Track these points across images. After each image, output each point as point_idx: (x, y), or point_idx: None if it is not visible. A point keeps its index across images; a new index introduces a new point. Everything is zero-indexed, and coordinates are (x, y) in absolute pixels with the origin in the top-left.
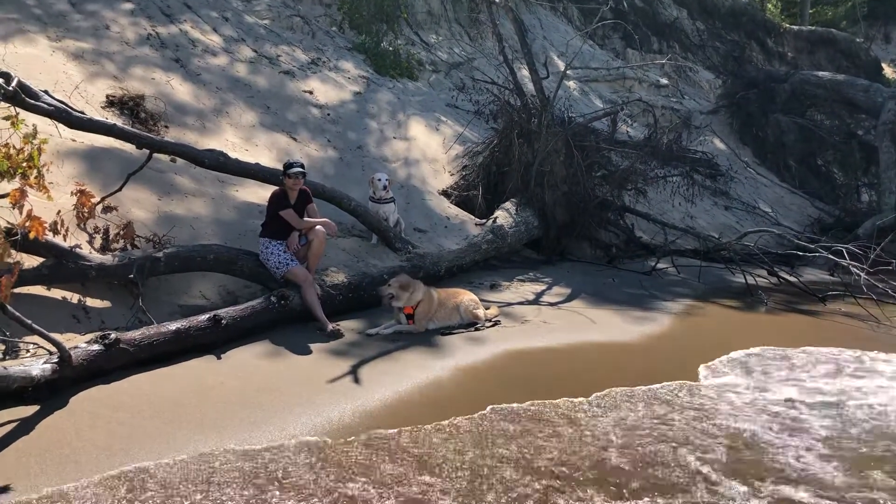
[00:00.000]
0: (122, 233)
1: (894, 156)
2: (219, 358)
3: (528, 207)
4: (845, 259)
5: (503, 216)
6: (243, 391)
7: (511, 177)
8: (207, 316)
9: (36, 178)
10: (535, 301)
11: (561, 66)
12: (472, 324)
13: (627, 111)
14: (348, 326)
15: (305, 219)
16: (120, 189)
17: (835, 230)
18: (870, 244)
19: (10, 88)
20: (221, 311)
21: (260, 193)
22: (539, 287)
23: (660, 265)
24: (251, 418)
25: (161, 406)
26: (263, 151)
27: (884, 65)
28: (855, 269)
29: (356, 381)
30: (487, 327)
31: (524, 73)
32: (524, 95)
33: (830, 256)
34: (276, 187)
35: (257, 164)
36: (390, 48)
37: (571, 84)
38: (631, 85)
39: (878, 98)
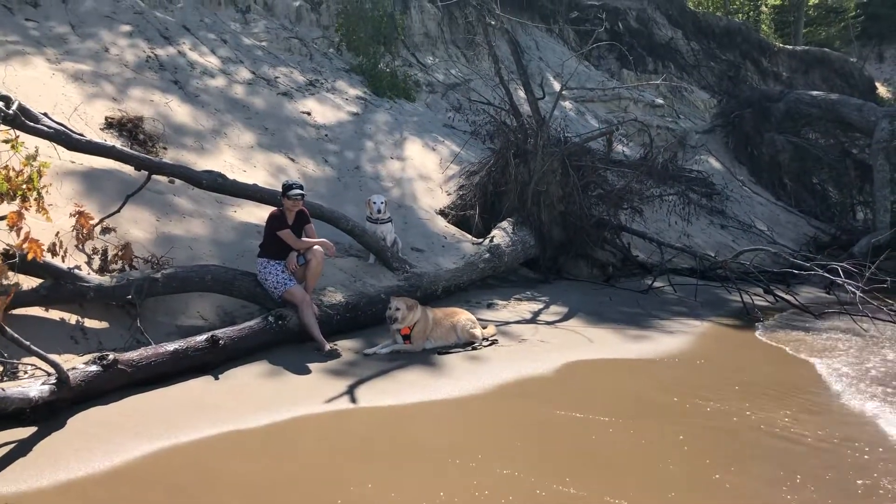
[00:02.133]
0: (120, 254)
1: (888, 174)
2: (217, 378)
3: (524, 227)
4: (840, 277)
5: (500, 235)
6: (241, 409)
7: (508, 196)
8: (205, 336)
9: (36, 199)
10: (533, 320)
11: (557, 86)
12: (469, 343)
13: (623, 131)
14: (346, 346)
15: (303, 239)
16: (118, 210)
17: (830, 248)
18: (865, 262)
19: (11, 112)
20: (219, 332)
21: (258, 214)
22: (536, 306)
23: (656, 284)
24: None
25: (159, 427)
26: (261, 172)
27: (877, 84)
28: (850, 287)
29: (353, 400)
30: (485, 346)
31: (520, 93)
32: (520, 116)
33: (826, 275)
34: (275, 208)
35: (255, 184)
36: (387, 69)
37: (567, 104)
38: (626, 105)
39: (872, 117)
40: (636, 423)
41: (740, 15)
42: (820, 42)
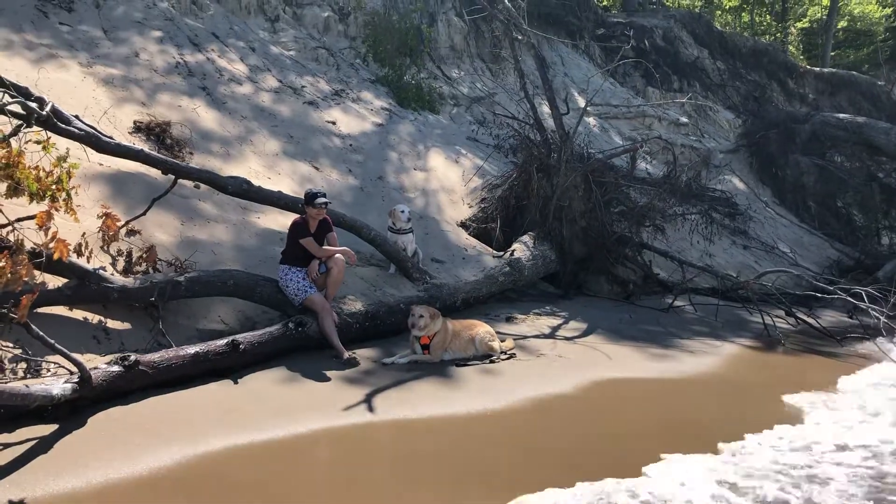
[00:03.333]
0: (144, 256)
1: None
2: (236, 382)
3: (545, 241)
4: (864, 302)
5: (521, 249)
6: (259, 416)
7: (529, 210)
8: (226, 341)
9: (65, 200)
10: (551, 335)
11: (581, 102)
12: (486, 356)
13: (647, 148)
14: (364, 355)
15: (325, 247)
16: (144, 213)
17: (854, 272)
18: (890, 287)
19: (45, 113)
20: (239, 337)
21: (281, 221)
22: (555, 321)
23: (677, 303)
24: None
25: (178, 428)
26: (286, 179)
27: None
28: (874, 312)
29: (370, 409)
30: (503, 360)
31: (545, 108)
32: (544, 131)
33: (849, 299)
34: (297, 215)
35: (279, 191)
36: (413, 81)
37: (591, 120)
38: (651, 122)
39: None
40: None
41: (767, 36)
42: (848, 65)
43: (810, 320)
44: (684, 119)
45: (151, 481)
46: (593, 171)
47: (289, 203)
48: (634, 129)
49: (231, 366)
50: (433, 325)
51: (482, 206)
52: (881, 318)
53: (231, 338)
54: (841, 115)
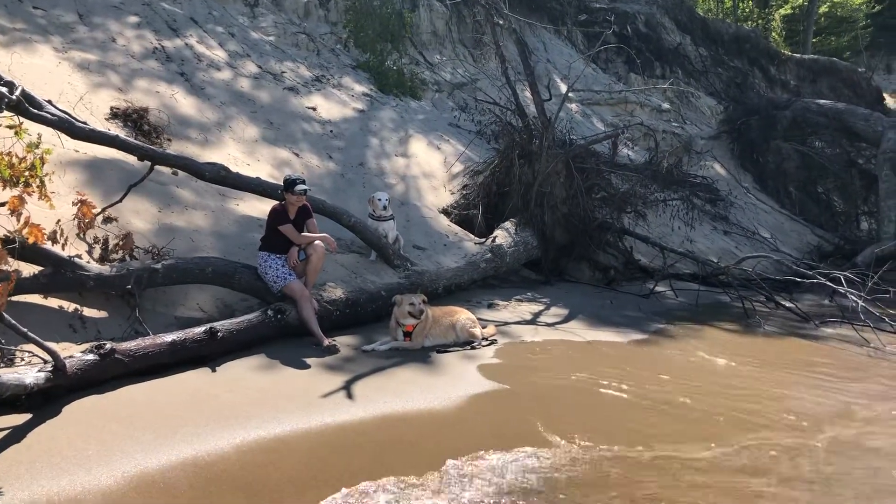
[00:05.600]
0: (121, 243)
1: (894, 185)
2: (214, 370)
3: (527, 228)
4: (843, 286)
5: (502, 236)
6: (237, 404)
7: (511, 197)
8: (203, 328)
9: (38, 186)
10: (533, 321)
11: (563, 88)
12: (468, 342)
13: (629, 134)
14: (344, 342)
15: (304, 234)
16: (121, 200)
17: (834, 257)
18: (868, 272)
19: (14, 97)
20: (218, 324)
21: (260, 207)
22: (537, 307)
23: (658, 288)
24: (245, 430)
25: (154, 417)
26: (265, 166)
27: (885, 94)
28: (852, 297)
29: (350, 396)
30: (484, 346)
31: (527, 94)
32: (526, 117)
33: (828, 283)
34: (277, 202)
35: (258, 178)
36: (394, 67)
37: (573, 106)
38: (633, 109)
39: (879, 127)
40: None
41: (749, 22)
42: (829, 51)
43: (789, 305)
44: (666, 105)
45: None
46: (575, 157)
47: (267, 189)
48: (617, 116)
49: (209, 354)
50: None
51: (464, 192)
52: (859, 301)
53: (209, 325)
54: (821, 102)
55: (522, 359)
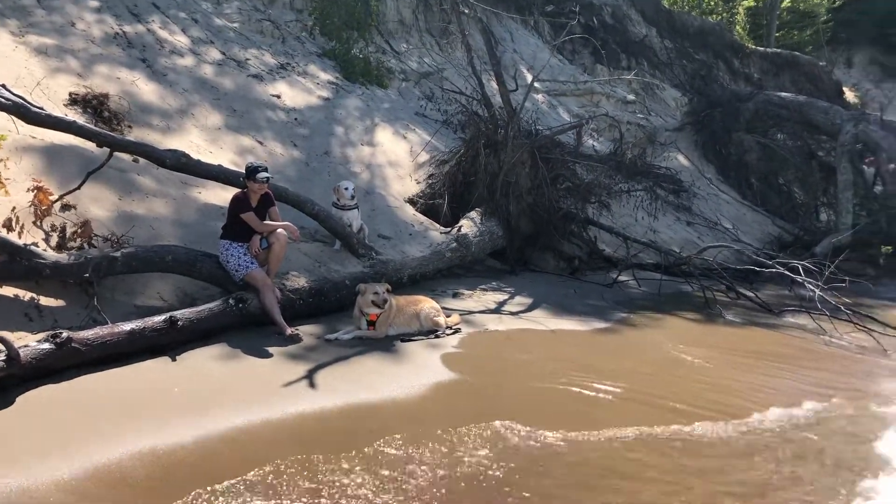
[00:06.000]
0: (79, 231)
1: (851, 177)
2: (174, 360)
3: (492, 217)
4: (801, 276)
5: (468, 225)
6: (197, 393)
7: (477, 186)
8: (163, 317)
9: None
10: (497, 310)
11: (529, 78)
12: (432, 331)
13: (594, 125)
14: (307, 331)
15: (267, 222)
16: (79, 187)
17: (794, 248)
18: (826, 262)
19: None
20: (178, 313)
21: (222, 195)
22: (501, 296)
23: (622, 278)
24: (205, 420)
25: (112, 407)
26: (228, 153)
27: (845, 88)
28: (810, 286)
29: (312, 385)
30: (448, 335)
31: (493, 84)
32: (492, 106)
33: (787, 273)
34: (239, 189)
35: (219, 165)
36: (360, 55)
37: (539, 97)
38: (598, 100)
39: (837, 120)
40: None
41: (714, 15)
42: (792, 45)
43: (749, 294)
44: (632, 97)
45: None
46: (540, 147)
47: (230, 177)
48: (582, 107)
49: (169, 343)
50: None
51: (430, 181)
52: (816, 291)
53: (169, 314)
54: (783, 95)
55: (486, 348)
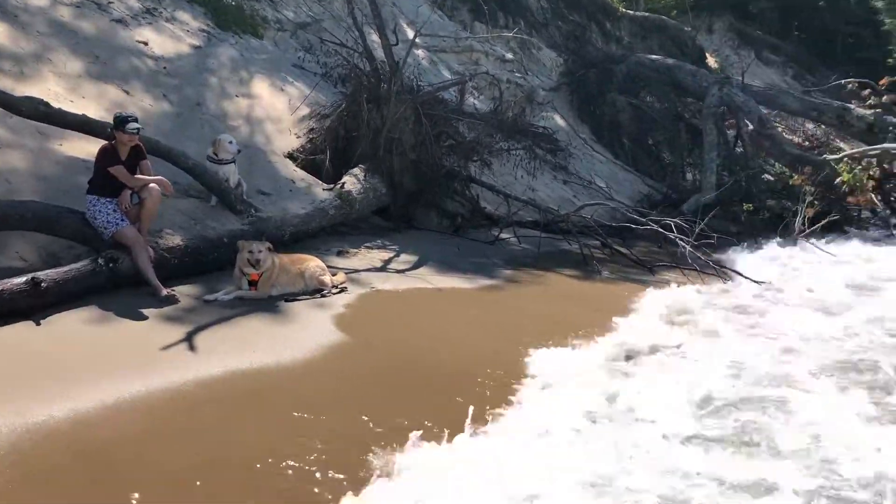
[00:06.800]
0: None
1: (716, 138)
2: (38, 324)
3: (376, 174)
4: (673, 233)
5: (351, 182)
6: (67, 359)
7: (360, 142)
8: (25, 278)
9: None
10: (383, 269)
11: (410, 34)
12: (318, 290)
13: (474, 83)
14: (185, 292)
15: (138, 176)
16: None
17: (663, 206)
18: (694, 219)
19: None
20: (41, 274)
21: (87, 148)
22: (387, 254)
23: (503, 235)
24: (74, 388)
25: None
26: (91, 104)
27: (707, 54)
28: (681, 243)
29: (192, 348)
30: (334, 294)
31: (374, 38)
32: (374, 60)
33: (660, 230)
34: (106, 141)
35: (84, 115)
36: (233, 2)
37: (420, 53)
38: (478, 57)
39: (704, 83)
40: None
41: None
42: (659, 10)
43: (624, 251)
44: (510, 56)
45: None
46: (423, 103)
47: (95, 128)
48: (462, 64)
49: (33, 306)
50: (268, 261)
51: (311, 136)
52: (687, 247)
53: (31, 275)
54: (653, 57)
55: (373, 307)
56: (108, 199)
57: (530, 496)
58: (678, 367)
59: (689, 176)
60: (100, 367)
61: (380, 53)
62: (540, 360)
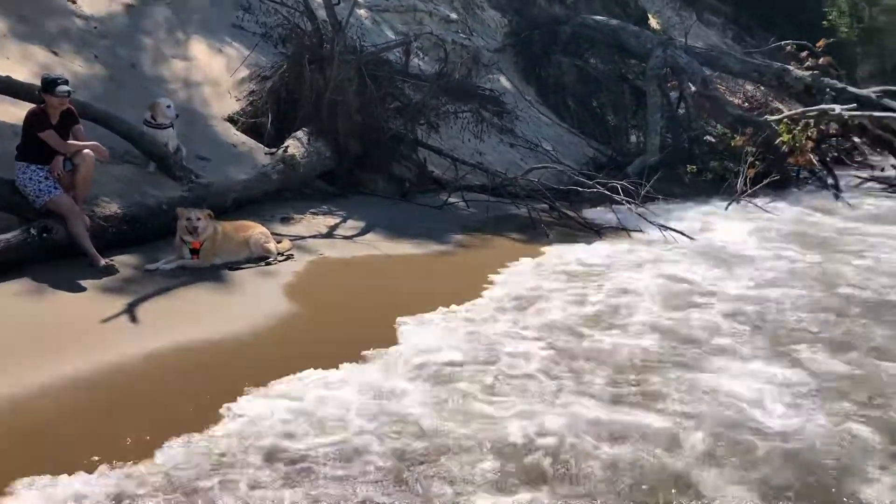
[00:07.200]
0: None
1: (659, 100)
2: None
3: (320, 138)
4: (620, 195)
5: (294, 146)
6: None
7: (303, 105)
8: None
9: None
10: (330, 235)
11: None
12: (263, 258)
13: (418, 44)
14: (124, 261)
15: (70, 141)
16: None
17: (608, 168)
18: (639, 181)
19: None
20: None
21: (13, 112)
22: (333, 220)
23: (451, 200)
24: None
25: None
26: (16, 66)
27: (649, 15)
28: (628, 205)
29: (134, 320)
30: (280, 261)
31: None
32: (316, 20)
33: (606, 192)
34: (35, 105)
35: (8, 76)
36: None
37: (363, 12)
38: (422, 17)
39: (648, 45)
40: None
41: None
42: None
43: (571, 213)
44: (454, 16)
45: None
46: (367, 64)
47: (20, 90)
48: (406, 24)
49: None
50: (207, 230)
51: (251, 99)
52: (633, 209)
53: None
54: (598, 18)
55: (322, 275)
56: (39, 166)
57: None
58: None
59: (633, 138)
60: (37, 341)
61: (322, 13)
62: None
